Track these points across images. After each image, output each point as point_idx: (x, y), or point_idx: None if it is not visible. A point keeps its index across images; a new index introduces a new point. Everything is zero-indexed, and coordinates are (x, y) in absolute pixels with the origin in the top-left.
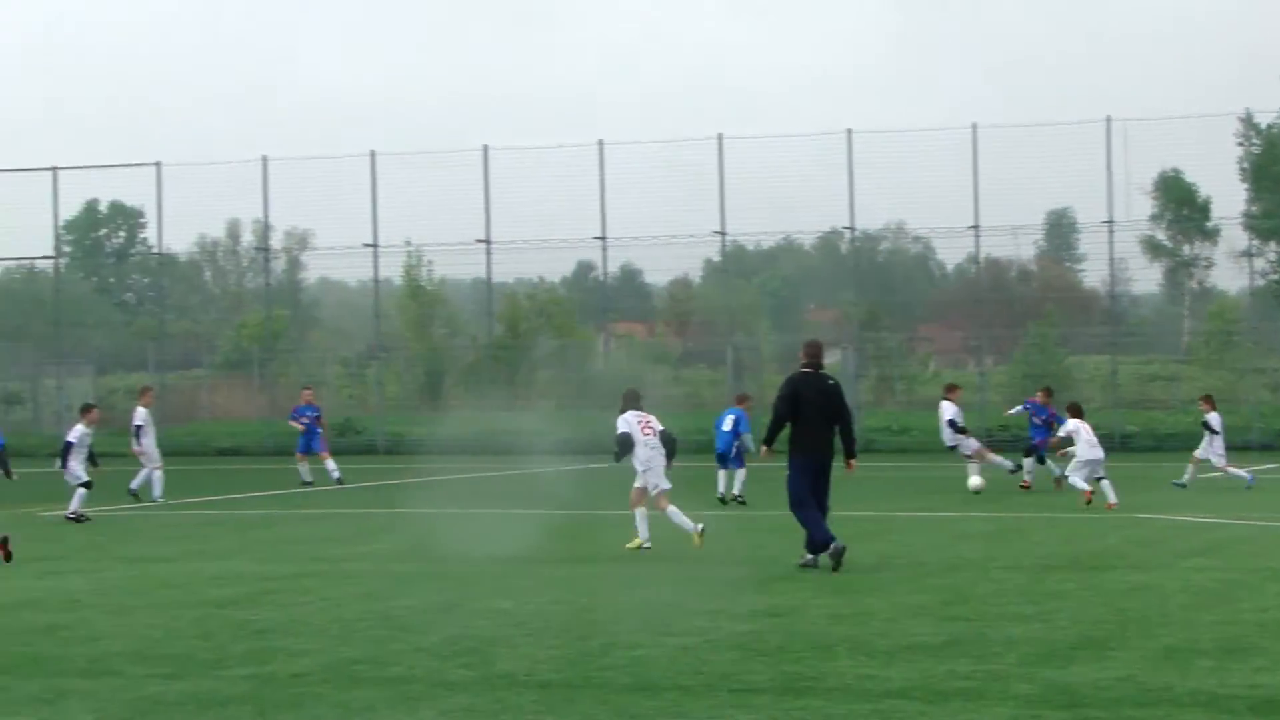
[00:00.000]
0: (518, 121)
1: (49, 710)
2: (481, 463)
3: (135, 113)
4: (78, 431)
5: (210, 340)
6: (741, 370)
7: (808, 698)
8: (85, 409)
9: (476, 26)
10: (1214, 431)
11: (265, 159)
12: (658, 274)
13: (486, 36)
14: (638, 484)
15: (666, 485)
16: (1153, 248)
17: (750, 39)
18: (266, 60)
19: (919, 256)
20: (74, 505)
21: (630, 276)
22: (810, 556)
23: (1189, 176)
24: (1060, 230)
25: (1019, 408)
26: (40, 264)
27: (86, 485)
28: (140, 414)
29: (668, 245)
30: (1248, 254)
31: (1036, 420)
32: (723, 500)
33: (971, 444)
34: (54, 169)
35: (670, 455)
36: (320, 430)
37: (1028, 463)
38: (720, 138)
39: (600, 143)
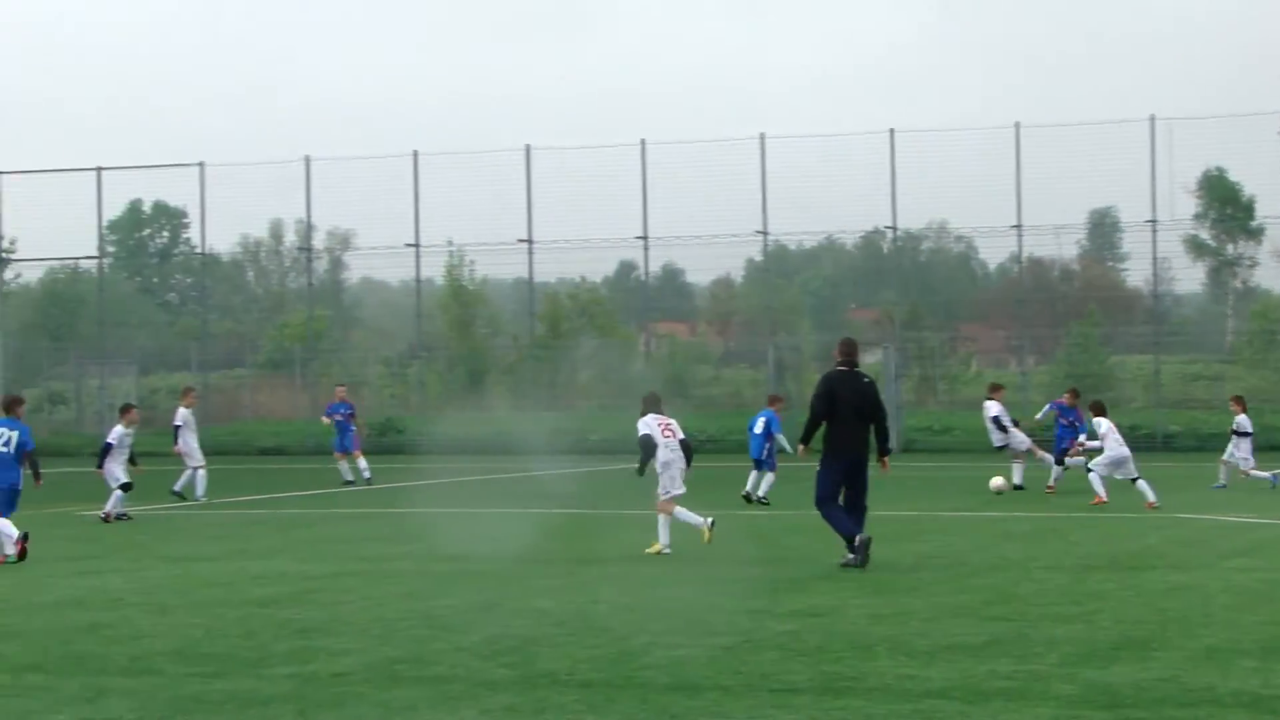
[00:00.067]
0: (560, 121)
1: (90, 708)
2: (520, 463)
3: (178, 113)
4: (117, 433)
5: (253, 340)
6: (783, 370)
7: (848, 698)
8: (124, 409)
9: (518, 26)
10: (1244, 434)
11: (308, 159)
12: (699, 273)
13: (529, 37)
14: (665, 492)
15: (681, 490)
16: (1196, 247)
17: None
18: (310, 62)
19: (961, 256)
20: (109, 506)
21: (672, 276)
22: (851, 556)
23: (1233, 175)
24: (1103, 229)
25: (1045, 409)
26: (84, 264)
27: (124, 488)
28: (180, 414)
29: (709, 245)
30: None
31: (1064, 421)
32: (747, 498)
33: (1024, 441)
34: (98, 169)
35: (688, 462)
36: (354, 428)
37: (1056, 470)
38: (762, 137)
39: (642, 142)
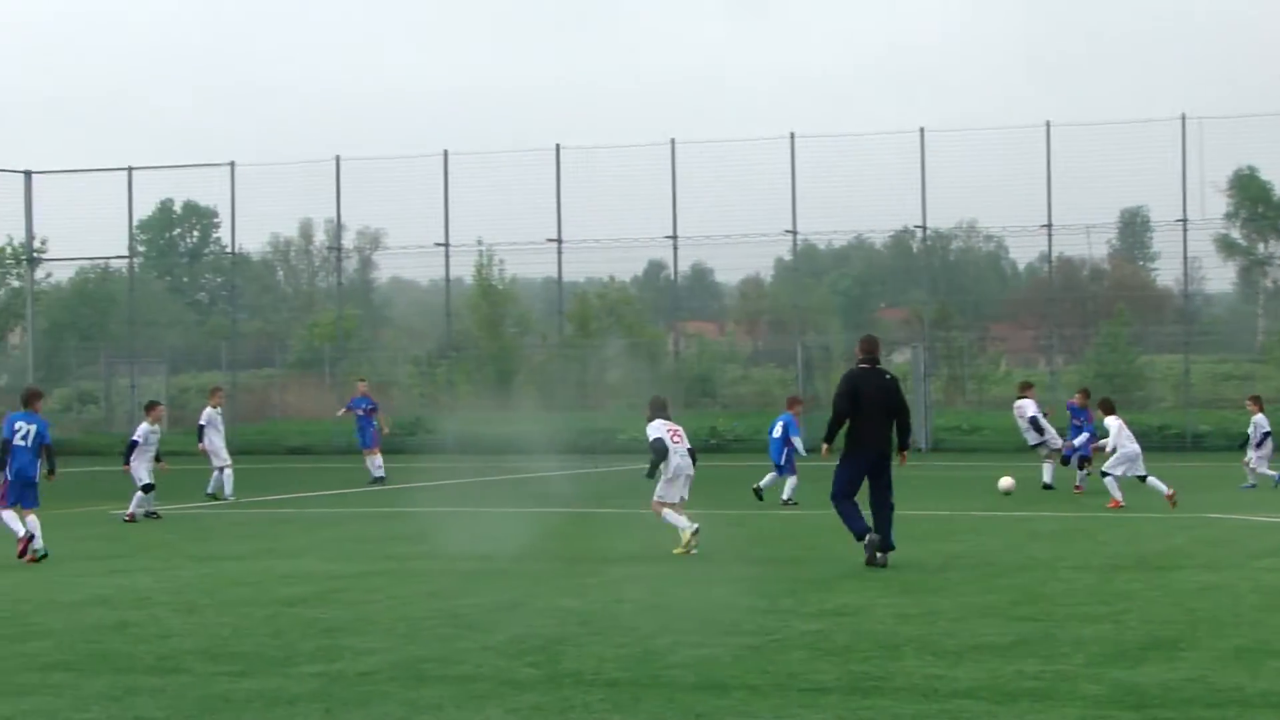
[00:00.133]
0: (589, 120)
1: (118, 707)
2: (549, 462)
3: (209, 112)
4: (142, 430)
5: (282, 339)
6: (812, 370)
7: (875, 697)
8: (149, 406)
9: (548, 25)
10: (1262, 433)
11: (338, 159)
12: (728, 273)
13: (558, 35)
14: (660, 497)
15: (685, 496)
16: (1227, 246)
17: (815, 37)
18: (341, 60)
19: (991, 255)
20: (132, 507)
21: (701, 275)
22: (880, 555)
23: (1264, 174)
24: (1134, 229)
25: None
26: (115, 264)
27: (146, 488)
28: (206, 414)
29: (739, 244)
30: None
31: (1075, 423)
32: (758, 493)
33: (1058, 441)
34: (129, 169)
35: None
36: (375, 424)
37: (1080, 472)
38: (792, 136)
39: (672, 142)
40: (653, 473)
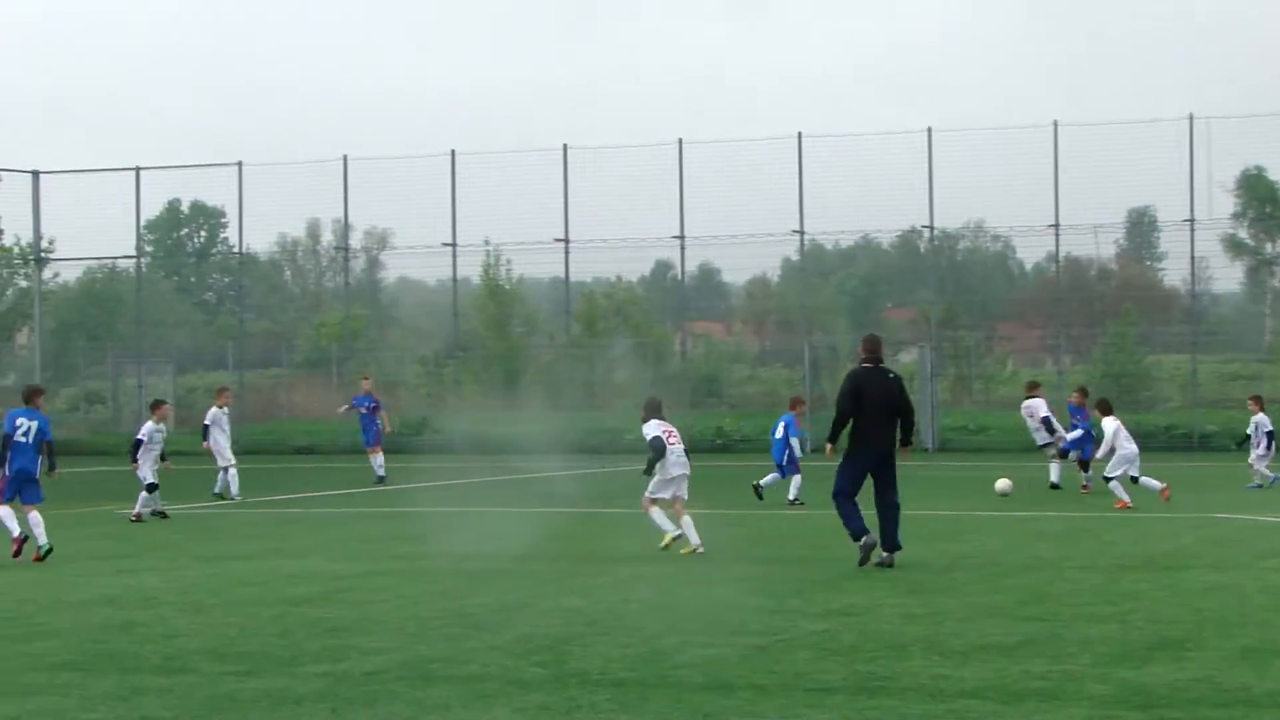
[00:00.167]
0: (592, 120)
1: (124, 707)
2: (555, 462)
3: (217, 113)
4: (147, 429)
5: (289, 339)
6: (819, 370)
7: (881, 697)
8: (154, 405)
9: (555, 25)
10: (1264, 433)
11: (345, 159)
12: (735, 273)
13: (562, 35)
14: (652, 493)
15: (684, 496)
16: (1234, 246)
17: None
18: (346, 60)
19: (998, 255)
20: (138, 507)
21: (708, 275)
22: (886, 555)
23: (1272, 174)
24: (1141, 229)
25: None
26: (122, 263)
27: (150, 488)
28: (211, 413)
29: (746, 244)
30: None
31: (1074, 421)
32: (757, 491)
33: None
34: (136, 169)
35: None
36: (379, 422)
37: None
38: (799, 136)
39: (679, 141)
40: (650, 469)
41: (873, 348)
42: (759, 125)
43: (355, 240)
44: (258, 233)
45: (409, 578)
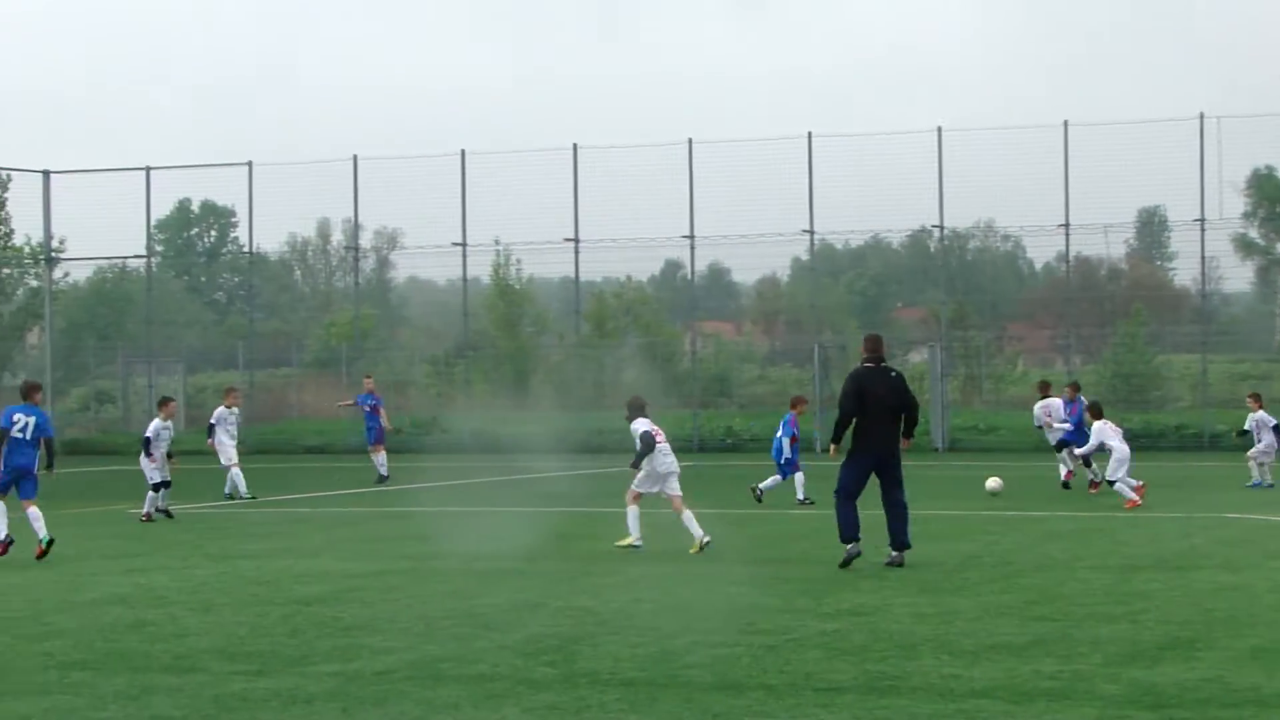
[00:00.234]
0: (606, 120)
1: (135, 706)
2: (564, 462)
3: (227, 112)
4: (154, 426)
5: (299, 339)
6: (829, 369)
7: (891, 697)
8: (162, 402)
9: (565, 25)
10: (1270, 428)
11: (355, 158)
12: (745, 273)
13: (574, 35)
14: (637, 487)
15: (680, 492)
16: (1245, 246)
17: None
18: (353, 59)
19: (1008, 255)
20: (146, 506)
21: (718, 275)
22: (895, 555)
23: None
24: (1151, 228)
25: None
26: (132, 263)
27: (155, 488)
28: (217, 412)
29: (755, 244)
30: None
31: (1065, 415)
32: (756, 494)
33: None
34: (147, 169)
35: None
36: (380, 421)
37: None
38: (809, 136)
39: (689, 141)
40: (638, 462)
41: (874, 347)
42: (767, 124)
43: (365, 240)
44: (268, 232)
45: (419, 577)
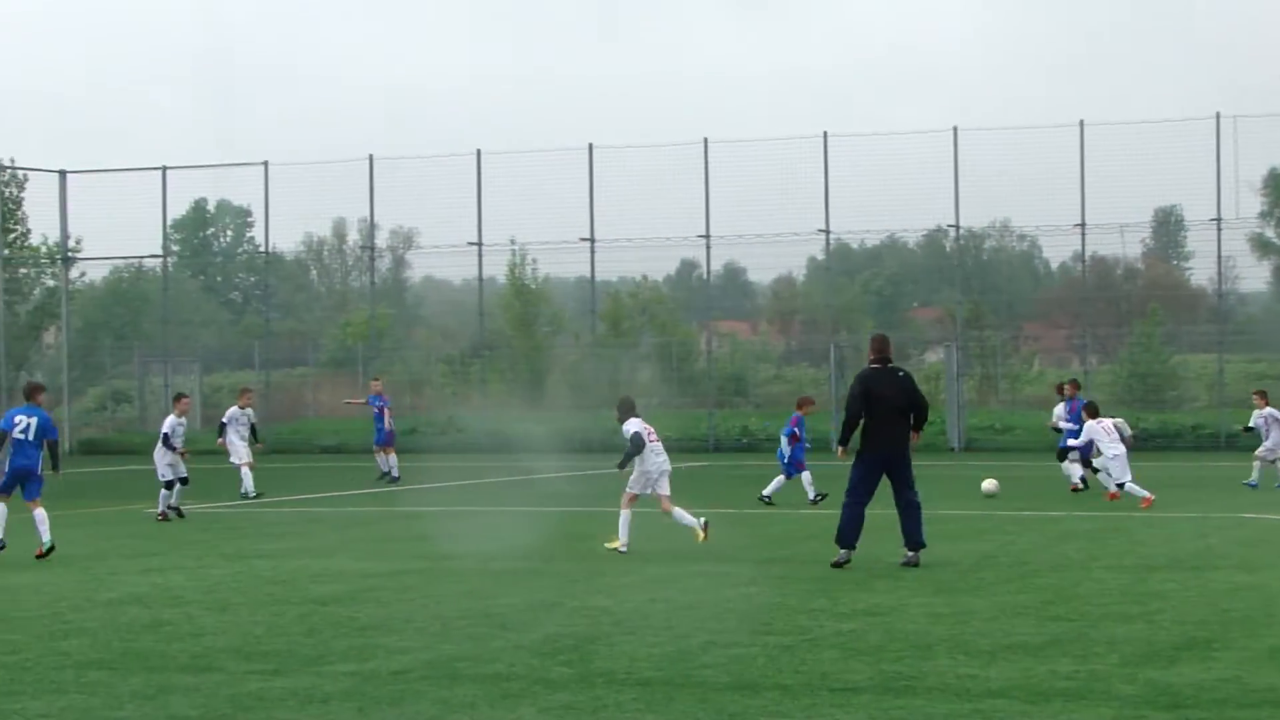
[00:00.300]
0: (621, 119)
1: (152, 705)
2: (578, 461)
3: (238, 112)
4: (170, 422)
5: (315, 338)
6: (844, 369)
7: (907, 697)
8: (175, 399)
9: (579, 25)
10: (1257, 428)
11: (371, 158)
12: (761, 272)
13: (589, 34)
14: (632, 489)
15: (669, 492)
16: (1261, 245)
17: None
18: (367, 58)
19: (1024, 254)
20: (161, 505)
21: (734, 275)
22: (911, 554)
23: None
24: (1167, 228)
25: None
26: (148, 263)
27: (168, 485)
28: (230, 412)
29: (771, 244)
30: None
31: (1066, 415)
32: (762, 502)
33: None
34: (163, 168)
35: None
36: (384, 422)
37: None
38: (825, 135)
39: (705, 140)
40: (625, 463)
41: (881, 348)
42: (770, 124)
43: (381, 239)
44: (284, 232)
45: (434, 577)
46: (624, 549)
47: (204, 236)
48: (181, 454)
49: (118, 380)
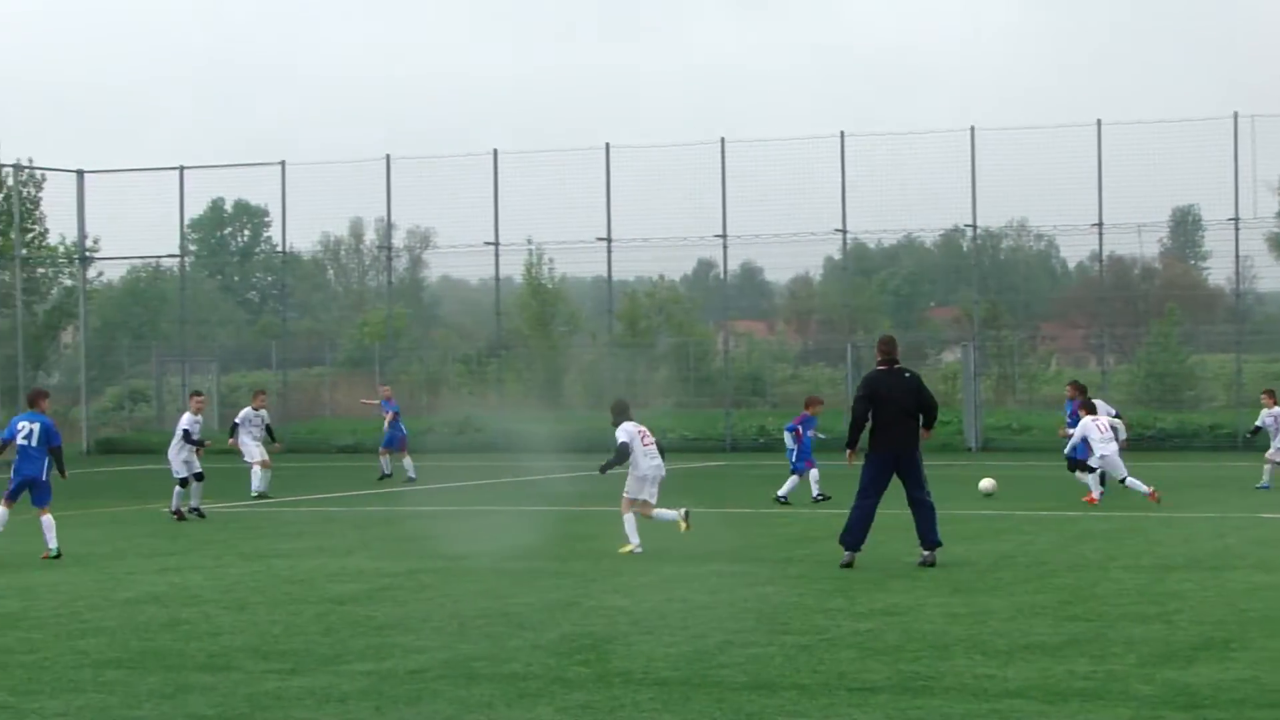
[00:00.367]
0: (638, 119)
1: (169, 704)
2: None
3: (259, 112)
4: (187, 419)
5: (332, 338)
6: (861, 369)
7: (925, 697)
8: (193, 395)
9: (596, 25)
10: (1266, 428)
11: (388, 158)
12: (778, 272)
13: (607, 35)
14: (629, 494)
15: (654, 498)
16: (1279, 245)
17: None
18: (385, 58)
19: (1041, 254)
20: (174, 504)
21: (750, 274)
22: (927, 554)
23: None
24: (1185, 228)
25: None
26: (166, 262)
27: (182, 482)
28: (243, 413)
29: (788, 243)
30: None
31: (1067, 416)
32: (778, 502)
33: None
34: (180, 168)
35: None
36: (393, 426)
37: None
38: (842, 135)
39: (722, 141)
40: (606, 469)
41: (887, 350)
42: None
43: (398, 239)
44: (301, 232)
45: (451, 576)
46: (639, 549)
47: (221, 236)
48: (204, 445)
49: (135, 380)
